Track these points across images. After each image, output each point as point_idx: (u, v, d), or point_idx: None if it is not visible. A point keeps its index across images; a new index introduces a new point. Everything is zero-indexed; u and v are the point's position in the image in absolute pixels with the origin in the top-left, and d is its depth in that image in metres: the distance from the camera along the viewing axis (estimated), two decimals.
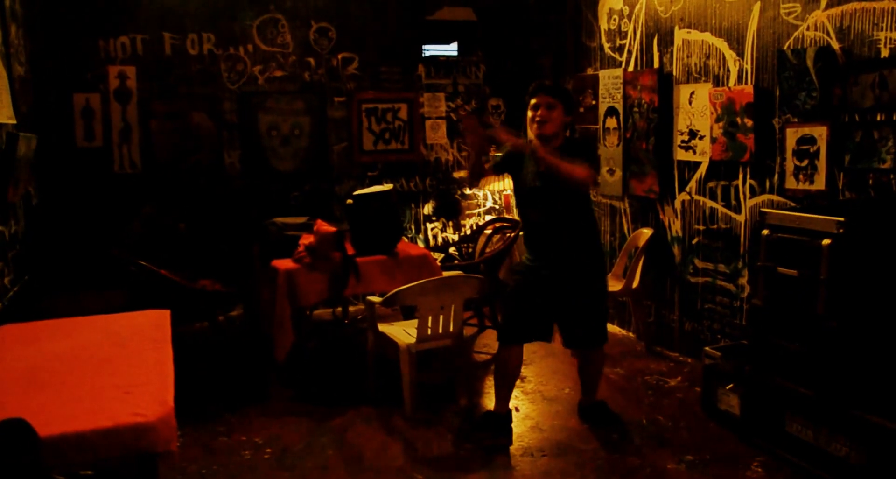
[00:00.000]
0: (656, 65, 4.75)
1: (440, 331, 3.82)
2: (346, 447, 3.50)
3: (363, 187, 5.03)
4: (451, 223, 6.27)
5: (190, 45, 5.37)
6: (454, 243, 6.14)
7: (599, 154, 5.26)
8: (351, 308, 5.65)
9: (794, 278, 3.09)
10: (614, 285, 4.88)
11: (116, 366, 2.45)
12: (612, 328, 5.39)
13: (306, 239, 4.30)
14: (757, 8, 3.95)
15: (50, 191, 5.00)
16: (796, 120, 3.74)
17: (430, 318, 3.77)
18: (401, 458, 3.39)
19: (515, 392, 4.07)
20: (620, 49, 5.11)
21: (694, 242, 4.54)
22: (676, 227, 4.68)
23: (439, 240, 6.21)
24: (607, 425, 3.65)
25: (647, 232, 4.85)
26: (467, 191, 6.28)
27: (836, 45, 3.51)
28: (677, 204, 4.66)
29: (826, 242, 2.93)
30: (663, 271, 4.80)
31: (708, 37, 4.31)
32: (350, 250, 4.34)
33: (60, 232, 5.01)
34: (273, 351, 4.15)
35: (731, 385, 3.54)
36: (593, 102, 5.39)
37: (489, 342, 4.88)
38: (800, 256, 3.07)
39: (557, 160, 3.21)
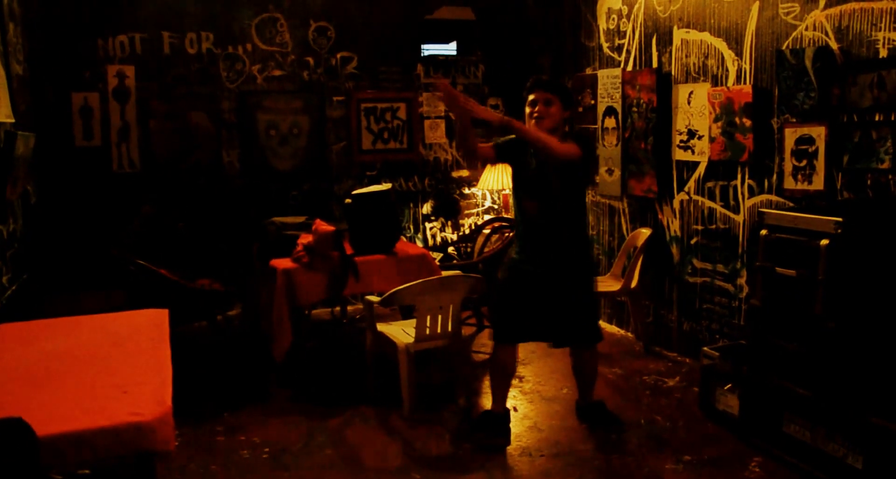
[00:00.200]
0: (655, 64, 4.76)
1: (438, 331, 3.82)
2: (344, 447, 3.50)
3: (362, 187, 5.03)
4: (449, 223, 6.27)
5: (189, 45, 5.37)
6: (453, 243, 6.15)
7: (598, 154, 5.27)
8: (349, 308, 5.65)
9: (793, 279, 3.09)
10: (613, 285, 4.89)
11: (115, 365, 2.45)
12: (610, 328, 5.40)
13: (305, 238, 4.30)
14: (756, 8, 3.95)
15: (48, 190, 5.00)
16: (795, 120, 3.74)
17: (428, 317, 3.77)
18: (399, 458, 3.39)
19: (514, 392, 4.07)
20: (619, 49, 5.12)
21: (692, 242, 4.54)
22: (675, 227, 4.68)
23: (438, 240, 6.21)
24: (605, 425, 3.65)
25: (645, 232, 4.86)
26: (466, 190, 6.28)
27: (834, 46, 3.51)
28: (676, 204, 4.66)
29: (824, 242, 2.93)
30: (662, 270, 4.80)
31: (707, 36, 4.31)
32: (349, 250, 4.34)
33: (59, 231, 5.00)
34: (271, 351, 4.15)
35: (729, 385, 3.54)
36: (592, 102, 5.39)
37: (487, 342, 4.87)
38: (798, 256, 3.07)
39: (537, 133, 3.20)
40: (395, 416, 3.83)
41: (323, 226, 4.30)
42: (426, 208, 6.18)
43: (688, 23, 4.47)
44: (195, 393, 3.99)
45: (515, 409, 3.89)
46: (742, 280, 4.17)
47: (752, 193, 4.08)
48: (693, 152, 4.47)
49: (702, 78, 4.37)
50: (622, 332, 5.29)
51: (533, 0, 6.15)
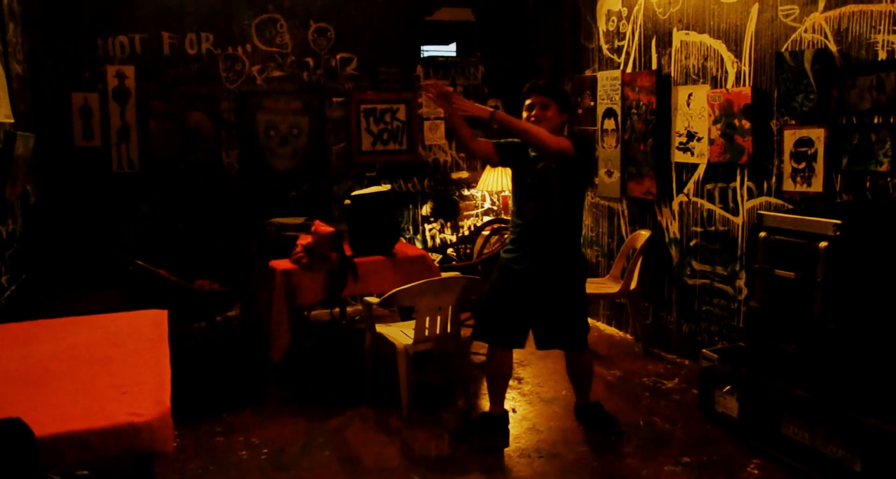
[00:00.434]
0: (654, 66, 4.76)
1: (437, 332, 3.83)
2: (342, 448, 3.50)
3: (361, 188, 5.03)
4: (449, 224, 6.27)
5: (188, 45, 5.37)
6: (452, 244, 6.15)
7: (598, 156, 5.27)
8: (348, 309, 5.65)
9: (792, 281, 3.09)
10: (612, 287, 4.89)
11: (113, 366, 2.45)
12: (609, 330, 5.40)
13: (304, 239, 4.30)
14: (755, 10, 3.96)
15: (48, 190, 5.00)
16: (794, 122, 3.75)
17: (427, 319, 3.78)
18: (397, 459, 3.39)
19: (512, 394, 4.07)
20: (619, 50, 5.12)
21: (692, 244, 4.54)
22: (674, 229, 4.68)
23: (437, 241, 6.21)
24: (604, 426, 3.65)
25: (644, 234, 4.86)
26: (465, 192, 6.29)
27: (833, 48, 3.52)
28: (675, 206, 4.66)
29: (823, 244, 2.93)
30: (661, 272, 4.81)
31: (706, 38, 4.32)
32: (348, 251, 4.34)
33: (58, 231, 5.00)
34: (269, 351, 4.15)
35: (728, 387, 3.54)
36: (591, 104, 5.39)
37: (486, 343, 4.87)
38: (797, 258, 3.07)
39: (520, 121, 3.20)
40: (393, 417, 3.83)
41: (322, 227, 4.30)
42: (425, 210, 6.18)
43: (687, 25, 4.47)
44: (194, 394, 3.99)
45: (514, 410, 3.89)
46: (741, 282, 4.17)
47: (751, 195, 4.08)
48: (692, 154, 4.47)
49: (701, 80, 4.38)
50: (621, 333, 5.29)
51: (533, 1, 6.15)
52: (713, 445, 3.44)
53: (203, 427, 3.70)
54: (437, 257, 5.71)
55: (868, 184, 3.38)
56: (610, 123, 5.17)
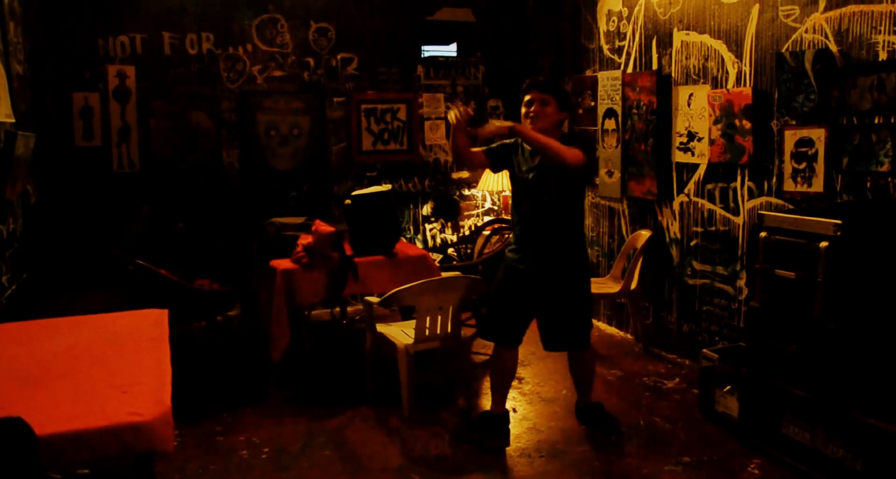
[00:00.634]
0: (655, 66, 4.76)
1: (438, 332, 3.83)
2: (343, 448, 3.50)
3: (362, 188, 5.03)
4: (449, 224, 6.27)
5: (189, 45, 5.37)
6: (453, 244, 6.15)
7: (598, 156, 5.27)
8: (349, 308, 5.66)
9: (792, 281, 3.09)
10: (612, 287, 4.89)
11: (114, 365, 2.45)
12: (610, 330, 5.40)
13: (305, 239, 4.30)
14: (756, 10, 3.96)
15: (48, 190, 5.00)
16: (794, 122, 3.75)
17: (428, 318, 3.78)
18: (398, 458, 3.39)
19: (513, 393, 4.07)
20: (619, 50, 5.12)
21: (692, 243, 4.54)
22: (675, 229, 4.68)
23: (438, 241, 6.21)
24: (604, 426, 3.65)
25: (645, 234, 4.86)
26: (466, 192, 6.29)
27: (834, 48, 3.52)
28: (676, 206, 4.66)
29: (824, 244, 2.93)
30: (661, 272, 4.81)
31: (707, 39, 4.32)
32: (348, 251, 4.34)
33: (59, 231, 5.01)
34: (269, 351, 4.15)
35: (728, 387, 3.54)
36: (592, 104, 5.39)
37: (487, 343, 4.87)
38: (797, 258, 3.07)
39: (538, 135, 3.20)
40: (394, 416, 3.83)
41: (323, 226, 4.30)
42: (426, 209, 6.18)
43: (688, 25, 4.47)
44: (194, 393, 4.00)
45: (515, 410, 3.89)
46: (742, 282, 4.17)
47: (751, 196, 4.08)
48: (693, 154, 4.47)
49: (702, 80, 4.38)
50: (622, 333, 5.29)
51: (533, 1, 6.15)
52: (713, 445, 3.44)
53: (203, 427, 3.70)
54: (437, 256, 5.71)
55: (869, 184, 3.38)
56: (610, 123, 5.17)
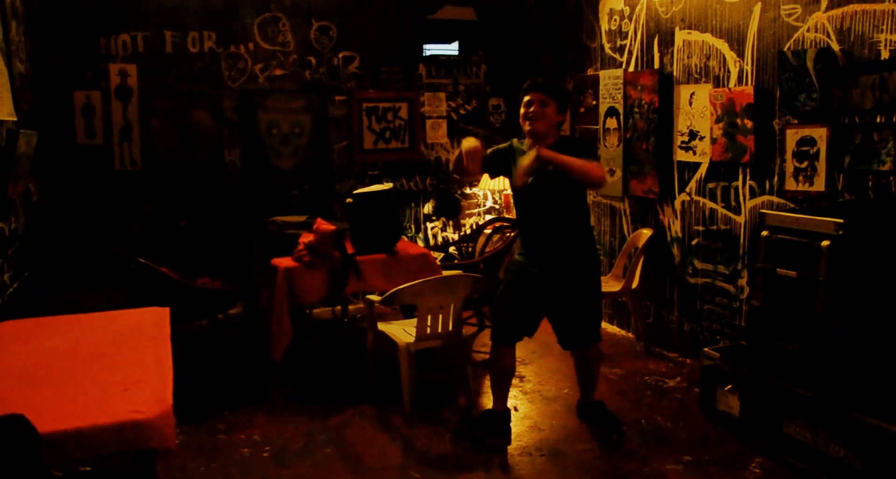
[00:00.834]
0: (657, 65, 4.76)
1: (439, 330, 3.83)
2: (344, 446, 3.51)
3: (363, 186, 5.03)
4: (450, 223, 6.28)
5: (191, 43, 5.37)
6: (454, 243, 6.15)
7: (600, 155, 5.27)
8: (350, 307, 5.66)
9: (794, 280, 3.09)
10: (614, 286, 4.89)
11: (116, 363, 2.46)
12: (611, 329, 5.40)
13: (306, 237, 4.30)
14: (757, 9, 3.95)
15: (50, 188, 5.01)
16: (796, 121, 3.74)
17: (429, 317, 3.78)
18: (399, 457, 3.39)
19: (514, 392, 4.07)
20: (621, 49, 5.12)
21: (693, 242, 4.54)
22: (676, 227, 4.68)
23: (439, 239, 6.21)
24: (606, 425, 3.65)
25: (646, 232, 4.86)
26: (467, 190, 6.29)
27: (836, 47, 3.51)
28: (677, 205, 4.66)
29: (825, 243, 2.93)
30: (663, 271, 4.81)
31: (708, 37, 4.32)
32: (350, 249, 4.34)
33: (61, 229, 5.01)
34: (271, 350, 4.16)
35: (729, 386, 3.54)
36: (594, 103, 5.39)
37: (488, 342, 4.86)
38: (799, 257, 3.07)
39: (565, 157, 3.18)
40: (395, 415, 3.84)
41: (324, 225, 4.31)
42: (427, 208, 6.19)
43: (689, 24, 4.47)
44: (196, 391, 4.00)
45: (516, 408, 3.89)
46: (743, 281, 4.17)
47: (753, 195, 4.08)
48: (694, 153, 4.47)
49: (703, 79, 4.37)
50: (623, 332, 5.29)
51: (535, 0, 6.15)
52: (715, 444, 3.44)
53: (205, 425, 3.70)
54: (438, 255, 5.70)
55: (870, 183, 3.38)
56: (612, 122, 5.17)
